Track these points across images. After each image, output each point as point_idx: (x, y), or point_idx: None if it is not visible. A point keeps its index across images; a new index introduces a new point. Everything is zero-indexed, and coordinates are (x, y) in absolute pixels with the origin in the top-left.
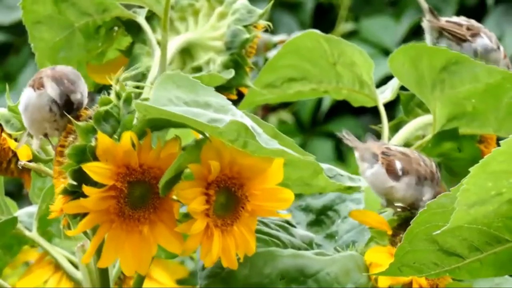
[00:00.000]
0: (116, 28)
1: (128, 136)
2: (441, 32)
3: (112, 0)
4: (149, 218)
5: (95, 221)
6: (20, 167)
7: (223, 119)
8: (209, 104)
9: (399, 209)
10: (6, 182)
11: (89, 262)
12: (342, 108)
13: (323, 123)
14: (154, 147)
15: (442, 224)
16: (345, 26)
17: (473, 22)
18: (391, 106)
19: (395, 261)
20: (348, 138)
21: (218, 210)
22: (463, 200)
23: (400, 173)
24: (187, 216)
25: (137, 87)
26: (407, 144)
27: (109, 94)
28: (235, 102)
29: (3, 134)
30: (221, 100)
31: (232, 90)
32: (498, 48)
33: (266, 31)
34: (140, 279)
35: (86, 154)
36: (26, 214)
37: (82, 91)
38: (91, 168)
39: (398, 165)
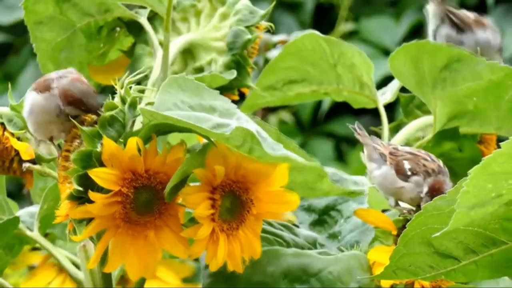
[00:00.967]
0: (118, 28)
1: (133, 142)
2: (443, 19)
3: (114, 1)
4: (155, 223)
5: (101, 227)
6: (23, 168)
7: (229, 124)
8: (214, 108)
9: (405, 211)
10: (7, 182)
11: None
12: (342, 108)
13: (323, 123)
14: (160, 151)
15: (438, 227)
16: (345, 26)
17: (480, 17)
18: (391, 108)
19: (390, 264)
20: (359, 132)
21: (224, 214)
22: (463, 202)
23: (409, 173)
24: (192, 221)
25: (142, 91)
26: (407, 145)
27: (113, 97)
28: (236, 103)
29: (6, 133)
30: (226, 103)
31: (233, 91)
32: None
33: (268, 31)
34: (142, 279)
35: (91, 159)
36: (27, 214)
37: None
38: (96, 174)
39: (407, 165)
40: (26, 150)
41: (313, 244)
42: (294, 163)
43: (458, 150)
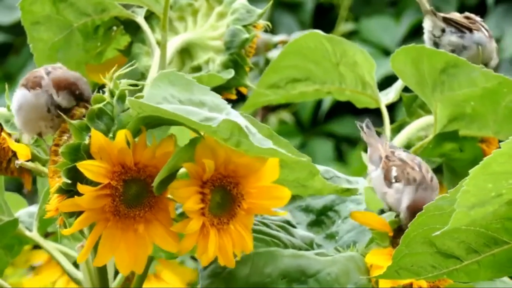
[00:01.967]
0: (114, 27)
1: (122, 134)
2: (444, 30)
3: (111, 0)
4: (145, 216)
5: (90, 220)
6: (15, 165)
7: (217, 117)
8: (204, 103)
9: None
10: (6, 182)
11: (90, 262)
12: (342, 108)
13: (323, 123)
14: (150, 145)
15: (440, 227)
16: (345, 26)
17: (472, 16)
18: (392, 107)
19: (393, 264)
20: (366, 131)
21: (214, 208)
22: (463, 202)
23: (393, 180)
24: (182, 215)
25: (134, 85)
26: (409, 145)
27: (103, 92)
28: (237, 103)
29: (3, 134)
30: (216, 99)
31: (231, 90)
32: (491, 38)
33: (266, 31)
34: (141, 279)
35: (80, 152)
36: (26, 214)
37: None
38: (85, 166)
39: (394, 172)
40: (23, 151)
41: (310, 245)
42: (282, 157)
43: (459, 150)
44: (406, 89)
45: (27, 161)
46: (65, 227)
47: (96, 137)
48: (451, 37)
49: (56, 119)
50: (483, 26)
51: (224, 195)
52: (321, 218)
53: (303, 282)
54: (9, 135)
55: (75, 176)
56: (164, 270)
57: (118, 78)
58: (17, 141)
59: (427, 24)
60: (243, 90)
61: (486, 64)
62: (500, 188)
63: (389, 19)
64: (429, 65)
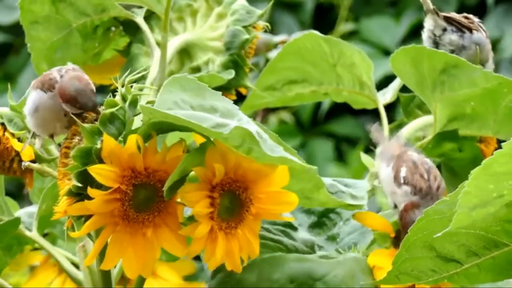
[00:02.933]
0: (113, 28)
1: (133, 139)
2: (445, 29)
3: (111, 0)
4: (153, 221)
5: (99, 223)
6: (23, 167)
7: (228, 124)
8: (215, 108)
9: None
10: (6, 182)
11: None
12: (342, 109)
13: (323, 123)
14: (160, 150)
15: (440, 231)
16: (345, 26)
17: (471, 16)
18: (391, 108)
19: (393, 269)
20: (375, 133)
21: (223, 213)
22: (464, 203)
23: (402, 181)
24: (191, 219)
25: (142, 90)
26: None
27: (114, 95)
28: (236, 103)
29: (6, 134)
30: (228, 104)
31: (231, 91)
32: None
33: (266, 31)
34: (142, 279)
35: (91, 156)
36: (26, 214)
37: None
38: (96, 170)
39: (403, 173)
40: (26, 151)
41: (311, 248)
42: (292, 166)
43: (458, 150)
44: (403, 89)
45: (31, 161)
46: (73, 230)
47: (107, 142)
48: (452, 36)
49: (71, 121)
50: (481, 27)
51: (233, 200)
52: (322, 220)
53: (311, 286)
54: (12, 134)
55: (86, 179)
56: (160, 266)
57: (129, 82)
58: (20, 140)
59: (428, 23)
60: (243, 91)
61: (483, 65)
62: (501, 189)
63: (389, 19)
64: (429, 66)
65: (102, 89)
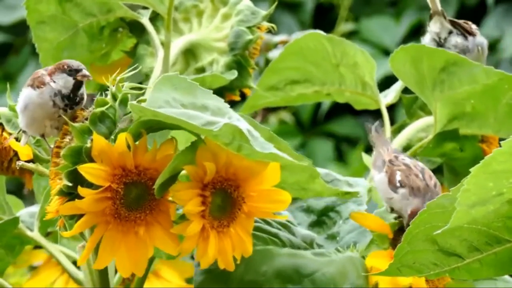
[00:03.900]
0: (120, 29)
1: (123, 138)
2: (450, 32)
3: (116, 1)
4: (145, 219)
5: (91, 222)
6: (17, 166)
7: (218, 122)
8: (206, 106)
9: (400, 217)
10: (7, 181)
11: (91, 262)
12: (342, 109)
13: (323, 123)
14: (150, 148)
15: (442, 225)
16: (345, 26)
17: (469, 22)
18: (392, 108)
19: (395, 261)
20: (374, 134)
21: (214, 211)
22: (463, 200)
23: (398, 184)
24: (183, 218)
25: (138, 88)
26: (409, 146)
27: (106, 94)
28: (238, 104)
29: (4, 134)
30: (219, 103)
31: (235, 91)
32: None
33: (269, 31)
34: (142, 279)
35: (81, 155)
36: (27, 214)
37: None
38: (86, 170)
39: (398, 176)
40: (24, 150)
41: (310, 244)
42: (283, 162)
43: (459, 150)
44: (406, 90)
45: (29, 161)
46: (66, 229)
47: (97, 141)
48: (457, 39)
49: (61, 119)
50: (478, 32)
51: (224, 198)
52: (322, 219)
53: (298, 282)
54: (10, 134)
55: (76, 178)
56: (163, 267)
57: (121, 81)
58: (18, 140)
59: (435, 26)
60: (246, 91)
61: None
62: (500, 187)
63: (389, 19)
64: (429, 64)
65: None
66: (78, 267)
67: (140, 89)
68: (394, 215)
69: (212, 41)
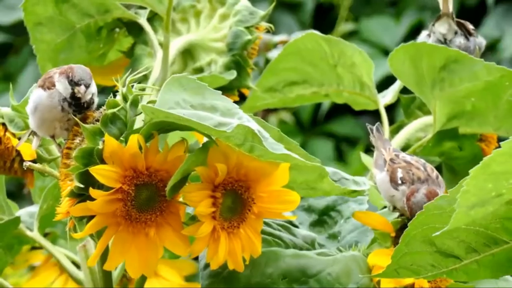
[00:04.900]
0: (117, 29)
1: (135, 139)
2: (456, 32)
3: (113, 1)
4: (156, 220)
5: (101, 224)
6: (24, 167)
7: (230, 123)
8: (215, 107)
9: (402, 215)
10: (7, 182)
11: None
12: (342, 109)
13: (323, 123)
14: (161, 149)
15: (439, 226)
16: (345, 26)
17: (468, 22)
18: (391, 108)
19: (392, 263)
20: (375, 135)
21: (225, 212)
22: (463, 202)
23: (399, 182)
24: (193, 219)
25: (143, 90)
26: (408, 146)
27: (115, 95)
28: (237, 104)
29: (7, 134)
30: (228, 103)
31: (233, 91)
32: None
33: (268, 32)
34: (142, 278)
35: (93, 156)
36: (27, 214)
37: (87, 84)
38: (98, 171)
39: (399, 174)
40: (27, 150)
41: (312, 244)
42: (295, 162)
43: (458, 149)
44: (404, 90)
45: (32, 161)
46: (75, 231)
47: (109, 142)
48: (461, 39)
49: (71, 121)
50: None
51: (235, 199)
52: (323, 218)
53: (304, 283)
54: (13, 134)
55: (87, 180)
56: (161, 266)
57: (131, 82)
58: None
59: (442, 27)
60: (245, 91)
61: None
62: (500, 188)
63: (389, 19)
64: (428, 63)
65: (107, 91)
66: (78, 267)
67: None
68: (396, 214)
69: (210, 41)
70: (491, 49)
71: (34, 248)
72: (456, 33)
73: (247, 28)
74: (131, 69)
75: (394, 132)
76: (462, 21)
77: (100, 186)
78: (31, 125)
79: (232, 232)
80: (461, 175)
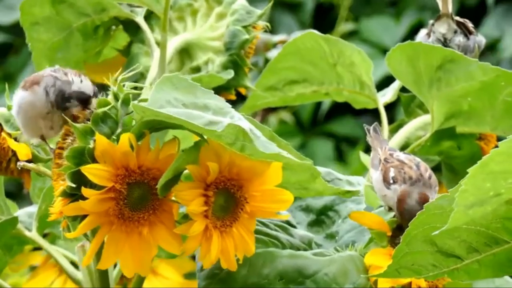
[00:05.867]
0: (113, 27)
1: (126, 138)
2: (455, 31)
3: (110, 0)
4: (149, 219)
5: (94, 223)
6: (18, 166)
7: (221, 122)
8: (207, 106)
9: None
10: (6, 182)
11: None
12: (342, 108)
13: (323, 123)
14: (153, 148)
15: (440, 226)
16: (345, 26)
17: (467, 20)
18: (391, 107)
19: (393, 263)
20: (372, 135)
21: (217, 211)
22: (461, 201)
23: (391, 181)
24: (186, 217)
25: (135, 88)
26: (407, 144)
27: (107, 95)
28: (235, 103)
29: (3, 134)
30: (220, 102)
31: (231, 91)
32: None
33: (265, 31)
34: (140, 278)
35: (84, 156)
36: (26, 214)
37: (72, 79)
38: (89, 170)
39: (391, 173)
40: (23, 150)
41: (309, 245)
42: (286, 161)
43: (457, 148)
44: (404, 89)
45: (27, 161)
46: (69, 230)
47: (100, 141)
48: (460, 38)
49: (56, 119)
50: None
51: (227, 198)
52: (321, 218)
53: (301, 283)
54: (9, 135)
55: (80, 179)
56: (160, 264)
57: (122, 81)
58: (17, 140)
59: (442, 27)
60: (242, 90)
61: None
62: (498, 188)
63: (389, 19)
64: (425, 62)
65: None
66: (77, 268)
67: (138, 88)
68: (392, 213)
69: (207, 40)
70: (491, 49)
71: (36, 249)
72: (455, 32)
73: (245, 27)
74: (127, 68)
75: (394, 131)
76: (462, 19)
77: (93, 186)
78: (19, 127)
79: (224, 231)
80: (460, 174)
